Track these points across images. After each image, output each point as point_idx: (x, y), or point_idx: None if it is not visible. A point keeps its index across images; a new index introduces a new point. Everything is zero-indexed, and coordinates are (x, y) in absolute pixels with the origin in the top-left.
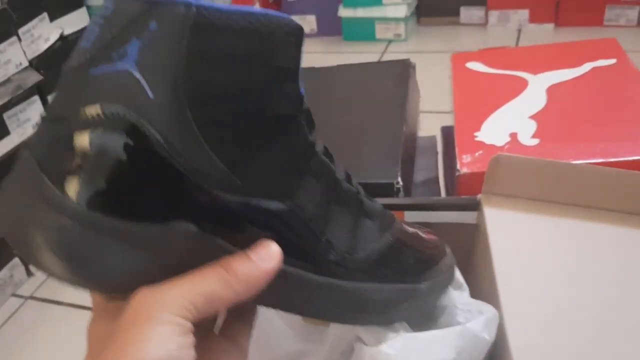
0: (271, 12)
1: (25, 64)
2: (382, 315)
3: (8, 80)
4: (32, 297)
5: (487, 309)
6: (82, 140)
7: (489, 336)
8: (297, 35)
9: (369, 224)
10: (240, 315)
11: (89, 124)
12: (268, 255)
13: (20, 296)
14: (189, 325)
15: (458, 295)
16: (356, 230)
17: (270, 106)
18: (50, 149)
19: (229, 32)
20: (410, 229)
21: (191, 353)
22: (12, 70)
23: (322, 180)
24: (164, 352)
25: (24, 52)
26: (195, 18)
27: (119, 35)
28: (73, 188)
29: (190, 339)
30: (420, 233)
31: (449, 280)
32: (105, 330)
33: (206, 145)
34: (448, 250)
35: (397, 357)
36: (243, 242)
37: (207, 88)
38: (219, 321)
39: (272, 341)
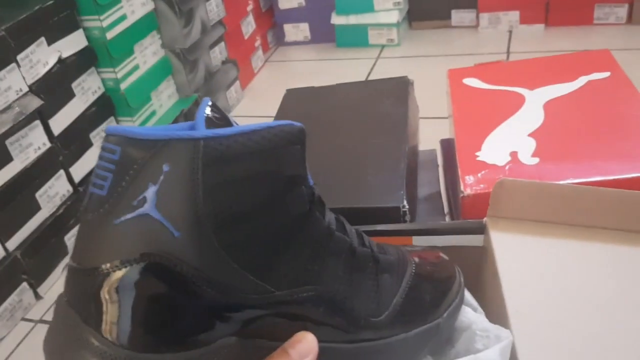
0: (273, 123)
1: (25, 89)
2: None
3: (9, 107)
4: (41, 321)
5: (505, 334)
6: (111, 291)
7: None
8: (301, 140)
9: (387, 279)
10: None
11: (115, 275)
12: (306, 350)
13: (30, 320)
14: None
15: (476, 319)
16: (378, 291)
17: (287, 212)
18: (85, 299)
19: (239, 158)
20: (422, 260)
21: None
22: (12, 96)
23: (341, 256)
24: None
25: (24, 78)
26: (204, 151)
27: (134, 182)
28: (114, 333)
29: None
30: (431, 259)
31: (461, 299)
32: None
33: (235, 264)
34: (457, 268)
35: None
36: (281, 334)
37: (227, 214)
38: None
39: None
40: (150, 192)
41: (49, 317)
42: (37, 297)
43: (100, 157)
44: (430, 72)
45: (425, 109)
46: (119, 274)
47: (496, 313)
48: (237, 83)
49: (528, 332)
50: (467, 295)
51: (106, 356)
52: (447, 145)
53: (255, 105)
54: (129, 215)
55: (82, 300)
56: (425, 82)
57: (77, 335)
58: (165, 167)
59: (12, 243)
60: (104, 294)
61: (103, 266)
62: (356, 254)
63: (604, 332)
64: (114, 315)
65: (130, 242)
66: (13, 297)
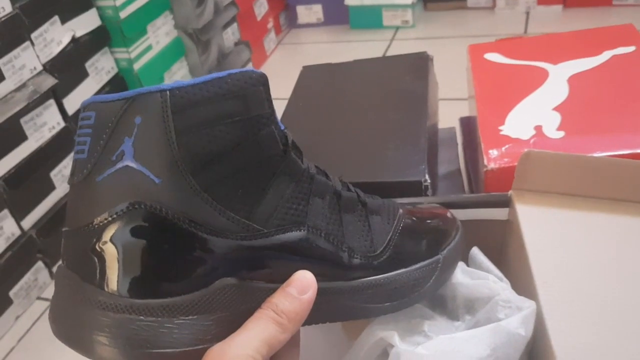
0: (234, 71)
1: (40, 68)
2: (415, 294)
3: (23, 85)
4: None
5: (527, 304)
6: (105, 244)
7: (525, 332)
8: (263, 83)
9: (377, 220)
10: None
11: (106, 229)
12: (305, 286)
13: (46, 299)
14: None
15: (499, 290)
16: (370, 230)
17: (261, 151)
18: (82, 259)
19: (205, 102)
20: (412, 206)
21: None
22: (27, 75)
23: (326, 197)
24: None
25: (38, 57)
26: (172, 100)
27: (111, 139)
28: (113, 285)
29: None
30: (426, 210)
31: (461, 239)
32: None
33: (219, 205)
34: (451, 212)
35: (432, 357)
36: (278, 276)
37: (202, 156)
38: None
39: (308, 353)
40: (127, 145)
41: None
42: (52, 276)
43: (79, 127)
44: (446, 53)
45: (441, 91)
46: (108, 226)
47: (522, 285)
48: (250, 65)
49: (556, 302)
50: (491, 265)
51: (110, 308)
52: (467, 123)
53: None
54: (110, 170)
55: (78, 261)
56: (440, 64)
57: (80, 295)
58: (138, 120)
59: (27, 222)
60: (98, 249)
61: (93, 222)
62: (342, 197)
63: (632, 302)
64: (110, 267)
65: (115, 195)
66: (28, 276)
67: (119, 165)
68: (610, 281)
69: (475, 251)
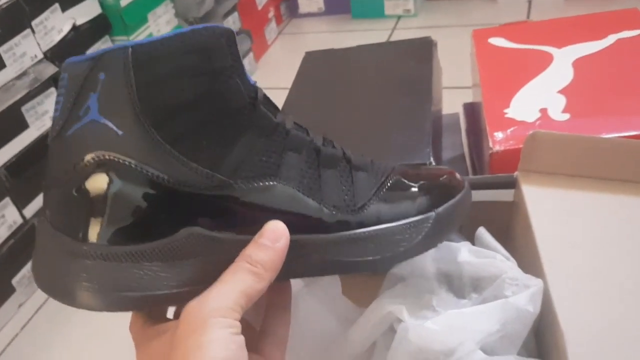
0: (197, 26)
1: (40, 56)
2: (401, 250)
3: (24, 73)
4: None
5: (534, 282)
6: (73, 195)
7: (533, 308)
8: (228, 36)
9: (362, 176)
10: (276, 305)
11: (73, 180)
12: (277, 235)
13: None
14: (239, 324)
15: (506, 268)
16: (353, 184)
17: (225, 104)
18: (54, 210)
19: (166, 57)
20: (417, 169)
21: (245, 351)
22: (27, 63)
23: (302, 152)
24: (227, 352)
25: (38, 44)
26: (133, 56)
27: (79, 96)
28: (83, 233)
29: (242, 338)
30: (428, 170)
31: (465, 198)
32: (153, 354)
33: (183, 157)
34: (460, 176)
35: (441, 332)
36: (250, 228)
37: (163, 109)
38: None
39: (312, 327)
40: (93, 100)
41: None
42: None
43: (58, 89)
44: (448, 43)
45: (443, 79)
46: (75, 178)
47: (529, 265)
48: (251, 55)
49: (563, 280)
50: (498, 245)
51: (83, 255)
52: (471, 109)
53: (269, 78)
54: (77, 125)
55: (52, 212)
56: (442, 52)
57: (55, 245)
58: (102, 76)
59: (29, 210)
60: (67, 200)
61: (62, 175)
62: (321, 152)
63: (637, 280)
64: (79, 217)
65: (82, 148)
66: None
67: (85, 119)
68: (616, 260)
69: (482, 231)
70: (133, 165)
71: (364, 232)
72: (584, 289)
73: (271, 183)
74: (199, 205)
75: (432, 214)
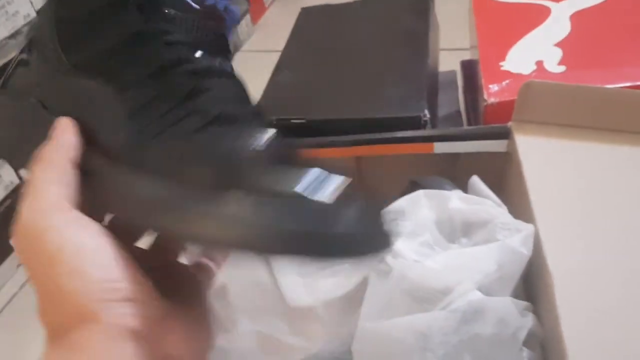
0: None
1: (33, 14)
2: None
3: (17, 32)
4: None
5: (525, 226)
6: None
7: (527, 251)
8: None
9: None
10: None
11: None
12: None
13: None
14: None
15: (498, 214)
16: (166, 117)
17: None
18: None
19: None
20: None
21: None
22: (20, 22)
23: (148, 67)
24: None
25: (31, 2)
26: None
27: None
28: None
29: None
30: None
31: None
32: None
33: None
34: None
35: (440, 270)
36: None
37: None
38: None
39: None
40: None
41: None
42: None
43: None
44: (446, 5)
45: (442, 42)
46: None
47: (520, 213)
48: (248, 17)
49: (553, 228)
50: (490, 192)
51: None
52: (468, 66)
53: (266, 40)
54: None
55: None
56: (441, 15)
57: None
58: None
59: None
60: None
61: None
62: (167, 74)
63: (625, 227)
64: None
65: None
66: None
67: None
68: (606, 208)
69: (475, 179)
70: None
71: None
72: (573, 236)
73: (101, 86)
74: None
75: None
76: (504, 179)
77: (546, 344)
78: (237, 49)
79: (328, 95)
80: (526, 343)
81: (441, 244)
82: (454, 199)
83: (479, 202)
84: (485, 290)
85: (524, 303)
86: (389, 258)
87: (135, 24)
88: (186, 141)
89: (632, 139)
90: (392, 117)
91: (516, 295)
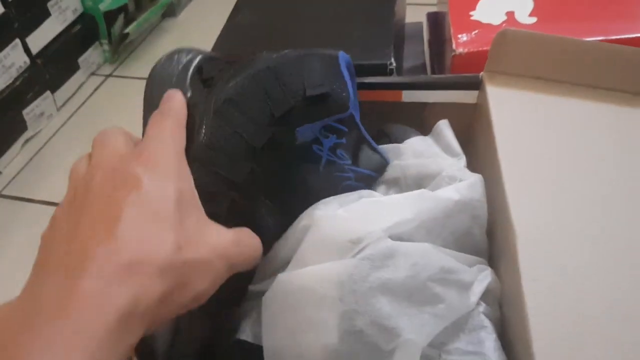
0: None
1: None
2: None
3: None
4: (2, 196)
5: (471, 175)
6: None
7: (459, 196)
8: None
9: None
10: None
11: None
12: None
13: None
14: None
15: (447, 166)
16: None
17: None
18: None
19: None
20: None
21: None
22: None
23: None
24: None
25: None
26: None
27: None
28: None
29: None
30: None
31: None
32: None
33: None
34: None
35: (351, 219)
36: None
37: None
38: None
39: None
40: None
41: (8, 192)
42: None
43: None
44: None
45: None
46: None
47: (487, 166)
48: None
49: (518, 181)
50: (453, 140)
51: None
52: (435, 18)
53: None
54: None
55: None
56: None
57: None
58: None
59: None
60: None
61: None
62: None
63: (598, 187)
64: None
65: None
66: None
67: None
68: (576, 166)
69: (442, 124)
70: None
71: None
72: (540, 192)
73: None
74: None
75: None
76: (472, 130)
77: (506, 301)
78: None
79: (290, 38)
80: (483, 298)
81: None
82: (407, 153)
83: (430, 154)
84: (403, 237)
85: (476, 258)
86: (315, 212)
87: None
88: None
89: (607, 95)
90: (358, 63)
91: (478, 253)
